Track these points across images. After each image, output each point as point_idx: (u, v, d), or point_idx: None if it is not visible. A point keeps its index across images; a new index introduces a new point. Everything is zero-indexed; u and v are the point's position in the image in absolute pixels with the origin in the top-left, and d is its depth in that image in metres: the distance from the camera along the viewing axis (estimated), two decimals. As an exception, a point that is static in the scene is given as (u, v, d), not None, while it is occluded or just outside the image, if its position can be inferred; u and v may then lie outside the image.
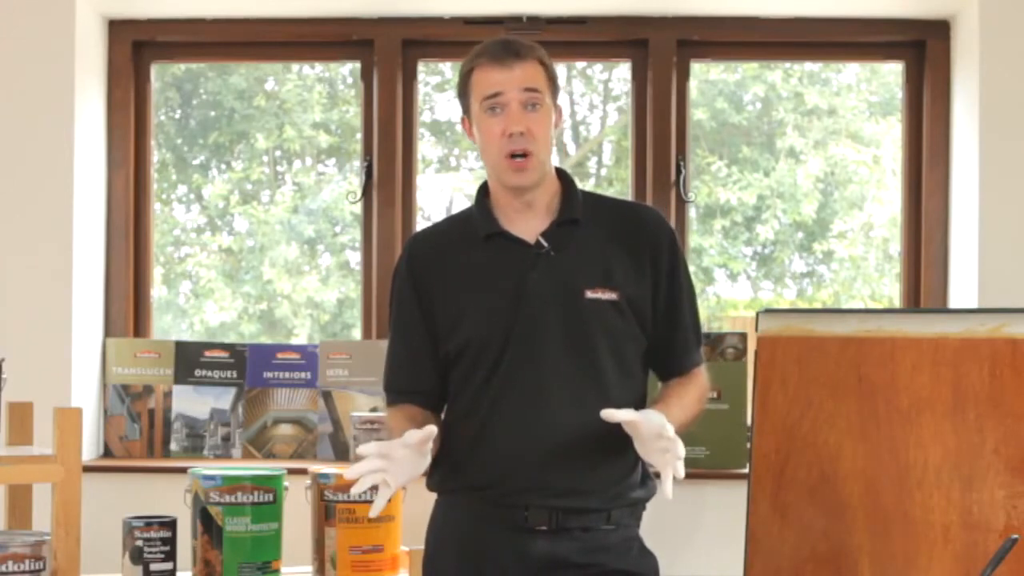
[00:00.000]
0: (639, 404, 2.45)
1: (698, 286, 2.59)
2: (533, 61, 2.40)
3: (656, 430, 2.21)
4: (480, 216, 2.48)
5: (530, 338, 2.38)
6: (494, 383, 2.39)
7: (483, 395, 2.39)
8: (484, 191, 2.51)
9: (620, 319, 2.42)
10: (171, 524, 2.96)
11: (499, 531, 2.39)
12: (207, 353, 3.62)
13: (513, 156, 2.38)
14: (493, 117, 2.39)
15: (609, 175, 5.52)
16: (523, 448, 2.36)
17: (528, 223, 2.45)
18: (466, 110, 2.46)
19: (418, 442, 2.22)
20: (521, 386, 2.36)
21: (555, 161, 2.54)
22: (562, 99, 2.51)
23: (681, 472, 2.20)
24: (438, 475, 2.48)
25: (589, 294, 2.40)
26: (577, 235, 2.45)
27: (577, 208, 2.46)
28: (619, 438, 2.40)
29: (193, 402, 3.60)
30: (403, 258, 2.53)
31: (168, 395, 3.60)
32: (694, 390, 2.49)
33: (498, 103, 2.38)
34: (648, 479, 2.50)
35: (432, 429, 2.23)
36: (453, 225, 2.56)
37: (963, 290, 3.49)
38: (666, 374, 2.53)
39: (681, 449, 2.21)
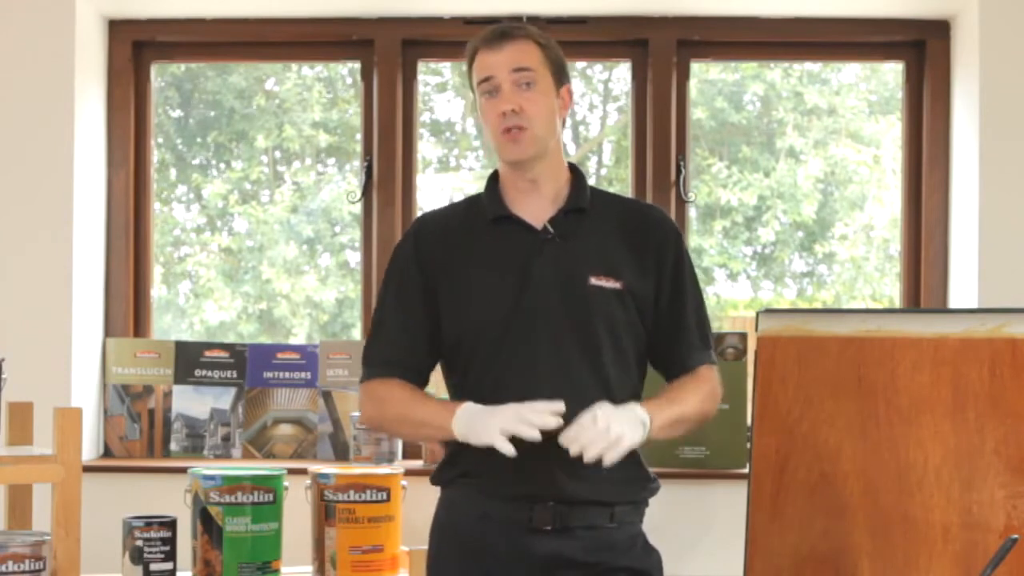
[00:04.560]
0: (634, 400, 2.45)
1: (698, 286, 2.58)
2: (525, 40, 2.43)
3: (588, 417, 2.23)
4: (489, 200, 2.49)
5: (531, 323, 2.38)
6: (494, 369, 2.38)
7: (483, 381, 2.39)
8: (495, 177, 2.52)
9: (622, 309, 2.41)
10: (171, 524, 2.95)
11: (503, 530, 2.39)
12: (207, 353, 3.61)
13: (507, 131, 2.40)
14: (490, 100, 2.43)
15: (609, 175, 5.52)
16: (527, 444, 2.30)
17: (536, 209, 2.46)
18: (476, 102, 2.50)
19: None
20: (520, 372, 2.35)
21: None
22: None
23: (586, 456, 2.21)
24: (440, 467, 2.49)
25: (593, 281, 2.40)
26: (584, 224, 2.45)
27: (585, 198, 2.47)
28: None
29: (193, 402, 3.60)
30: (409, 236, 2.52)
31: (168, 395, 3.60)
32: (693, 386, 2.46)
33: (492, 86, 2.42)
34: (652, 479, 2.50)
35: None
36: (462, 208, 2.56)
37: (963, 290, 3.49)
38: (670, 373, 2.52)
39: (598, 445, 2.21)
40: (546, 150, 2.44)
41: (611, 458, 2.21)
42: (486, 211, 2.48)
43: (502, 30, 2.45)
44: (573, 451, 2.21)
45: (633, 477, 2.44)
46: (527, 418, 2.22)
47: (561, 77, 2.47)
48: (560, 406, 2.23)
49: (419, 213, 3.74)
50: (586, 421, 2.23)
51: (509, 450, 2.22)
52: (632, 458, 2.41)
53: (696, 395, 2.45)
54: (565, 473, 2.35)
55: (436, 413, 2.37)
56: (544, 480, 2.36)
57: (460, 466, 2.44)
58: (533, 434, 2.21)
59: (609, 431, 2.21)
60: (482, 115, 2.46)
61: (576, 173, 2.52)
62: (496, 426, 2.24)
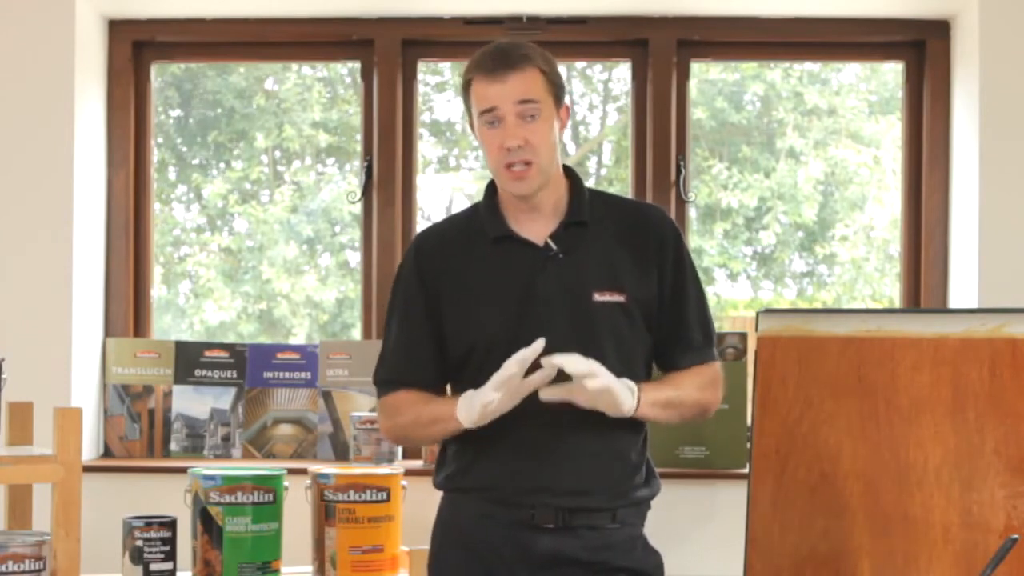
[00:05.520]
0: None
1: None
2: (530, 69, 2.38)
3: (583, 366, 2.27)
4: (488, 217, 2.48)
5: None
6: None
7: None
8: (492, 189, 2.51)
9: (627, 321, 2.42)
10: (171, 524, 2.95)
11: (505, 528, 2.41)
12: (207, 353, 3.61)
13: (511, 166, 2.38)
14: (492, 130, 2.40)
15: (609, 175, 5.52)
16: (529, 450, 2.38)
17: (535, 224, 2.45)
18: (470, 117, 2.47)
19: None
20: None
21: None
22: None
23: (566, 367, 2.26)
24: (444, 474, 2.50)
25: (597, 297, 2.41)
26: (585, 237, 2.45)
27: (584, 209, 2.47)
28: (624, 439, 2.41)
29: (193, 402, 3.60)
30: (411, 254, 2.53)
31: (168, 395, 3.60)
32: (691, 374, 2.48)
33: (495, 116, 2.39)
34: (653, 478, 2.50)
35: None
36: (462, 223, 2.55)
37: (963, 290, 3.49)
38: (670, 368, 2.52)
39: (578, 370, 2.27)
40: (548, 178, 2.43)
41: (588, 386, 2.26)
42: (486, 228, 2.47)
43: (504, 57, 2.38)
44: (556, 360, 2.25)
45: (630, 487, 2.45)
46: (507, 363, 2.28)
47: (561, 97, 2.45)
48: (539, 343, 2.27)
49: (419, 213, 3.75)
50: (578, 354, 2.29)
51: (496, 397, 2.28)
52: (628, 463, 2.44)
53: (693, 382, 2.47)
54: (568, 475, 2.38)
55: (443, 408, 2.41)
56: (547, 481, 2.38)
57: (460, 480, 2.47)
58: (512, 369, 2.26)
59: (591, 364, 2.27)
60: (481, 140, 2.43)
61: (573, 179, 2.51)
62: (486, 389, 2.30)
